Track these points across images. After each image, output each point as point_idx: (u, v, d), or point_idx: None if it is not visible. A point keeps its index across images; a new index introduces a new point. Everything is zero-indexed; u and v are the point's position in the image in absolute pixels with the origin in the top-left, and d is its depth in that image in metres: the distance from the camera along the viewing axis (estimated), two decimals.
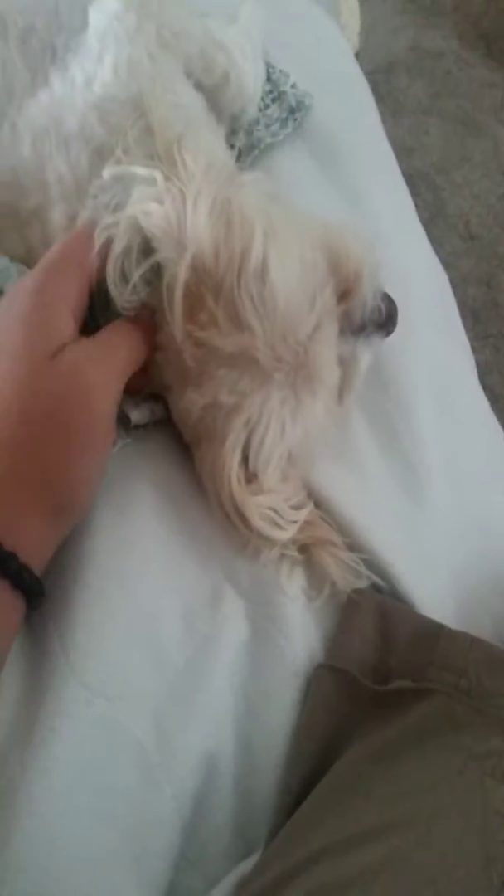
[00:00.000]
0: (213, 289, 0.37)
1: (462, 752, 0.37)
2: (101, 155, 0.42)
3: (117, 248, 0.38)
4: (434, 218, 0.62)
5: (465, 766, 0.36)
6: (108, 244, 0.38)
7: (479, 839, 0.33)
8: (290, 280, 0.38)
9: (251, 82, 0.53)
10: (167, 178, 0.38)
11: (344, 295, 0.42)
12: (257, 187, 0.42)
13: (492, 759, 0.36)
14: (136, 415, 0.43)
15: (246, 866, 0.38)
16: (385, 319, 0.45)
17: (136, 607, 0.40)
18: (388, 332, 0.46)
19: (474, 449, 0.54)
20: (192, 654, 0.40)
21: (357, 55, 0.96)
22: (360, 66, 0.75)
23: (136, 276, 0.38)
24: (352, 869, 0.32)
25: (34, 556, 0.35)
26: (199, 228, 0.38)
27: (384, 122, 0.68)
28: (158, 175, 0.38)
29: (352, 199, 0.56)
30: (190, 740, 0.39)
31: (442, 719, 0.39)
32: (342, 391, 0.44)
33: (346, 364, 0.44)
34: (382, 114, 0.69)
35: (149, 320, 0.40)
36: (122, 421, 0.43)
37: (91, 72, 0.43)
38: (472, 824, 0.33)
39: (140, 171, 0.38)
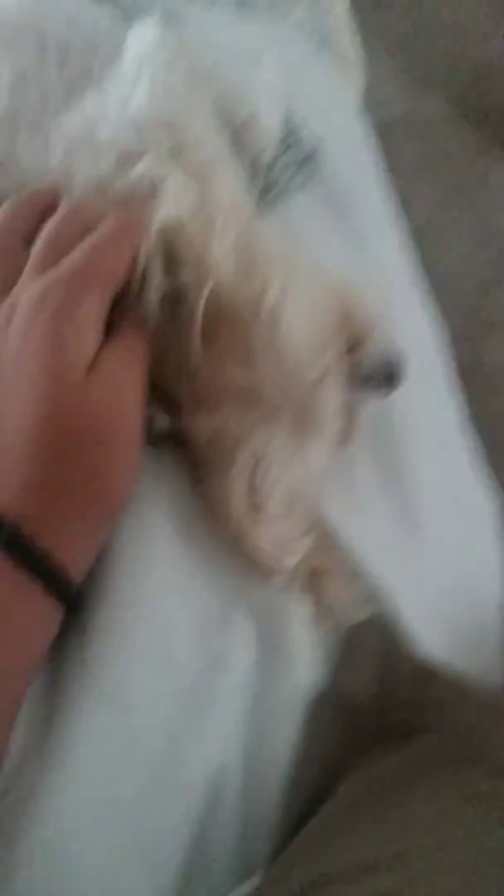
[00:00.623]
0: (229, 322, 0.38)
1: (463, 789, 0.37)
2: (128, 157, 0.42)
3: (148, 258, 0.38)
4: (423, 277, 0.66)
5: (468, 801, 0.36)
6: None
7: (483, 875, 0.33)
8: (302, 327, 0.39)
9: (274, 127, 0.54)
10: (198, 198, 0.39)
11: (354, 346, 0.42)
12: (279, 230, 0.42)
13: (490, 799, 0.36)
14: (160, 421, 0.43)
15: (249, 886, 0.38)
16: (391, 375, 0.45)
17: (151, 624, 0.40)
18: (393, 388, 0.46)
19: (465, 505, 0.55)
20: (202, 670, 0.40)
21: None
22: None
23: (156, 289, 0.38)
24: None
25: (73, 561, 0.37)
26: (224, 259, 0.38)
27: None
28: (193, 186, 0.38)
29: (360, 252, 0.57)
30: (201, 754, 0.39)
31: (440, 756, 0.40)
32: (344, 436, 0.45)
33: (350, 411, 0.44)
34: None
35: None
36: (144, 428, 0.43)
37: (127, 93, 0.44)
38: (476, 859, 0.33)
39: (176, 176, 0.39)
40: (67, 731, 0.36)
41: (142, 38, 0.46)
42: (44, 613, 0.36)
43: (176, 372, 0.40)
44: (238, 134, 0.52)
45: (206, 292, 0.37)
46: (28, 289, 0.38)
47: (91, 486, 0.37)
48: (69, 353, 0.37)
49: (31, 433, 0.36)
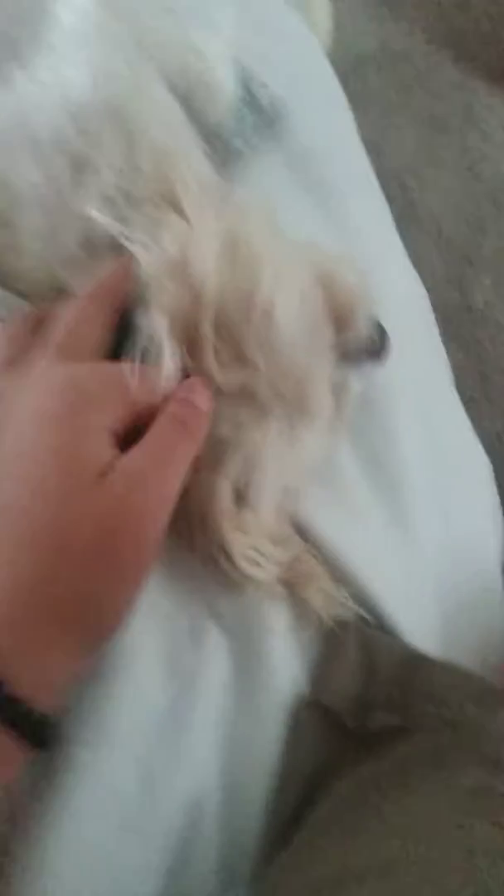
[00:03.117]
0: (215, 325, 0.36)
1: (449, 789, 0.36)
2: (78, 167, 0.40)
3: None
4: (404, 218, 0.62)
5: (453, 803, 0.35)
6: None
7: (469, 876, 0.32)
8: (293, 320, 0.36)
9: (229, 89, 0.50)
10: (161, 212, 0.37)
11: (338, 325, 0.40)
12: (255, 214, 0.40)
13: (476, 794, 0.35)
14: None
15: None
16: (378, 349, 0.44)
17: (115, 652, 0.38)
18: (380, 361, 0.44)
19: (457, 473, 0.53)
20: (175, 694, 0.39)
21: (326, 53, 0.94)
22: (330, 62, 0.72)
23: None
24: None
25: (49, 699, 0.32)
26: (207, 265, 0.36)
27: (354, 119, 0.66)
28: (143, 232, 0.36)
29: (331, 216, 0.54)
30: (175, 786, 0.37)
31: (427, 755, 0.38)
32: (333, 420, 0.43)
33: (337, 393, 0.42)
34: (352, 111, 0.67)
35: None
36: None
37: (62, 73, 0.40)
38: (461, 862, 0.32)
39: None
40: (41, 776, 0.35)
41: (71, 5, 0.42)
42: (7, 757, 0.31)
43: None
44: (189, 100, 0.49)
45: (210, 318, 0.35)
46: (48, 368, 0.35)
47: (84, 616, 0.32)
48: (74, 459, 0.32)
49: (22, 537, 0.31)
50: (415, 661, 0.42)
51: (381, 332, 0.44)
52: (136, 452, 0.33)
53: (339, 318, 0.40)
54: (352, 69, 1.43)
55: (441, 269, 1.23)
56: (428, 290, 0.61)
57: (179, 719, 0.38)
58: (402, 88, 1.44)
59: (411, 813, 0.35)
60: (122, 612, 0.34)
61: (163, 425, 0.34)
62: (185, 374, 0.36)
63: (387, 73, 1.44)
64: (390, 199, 0.63)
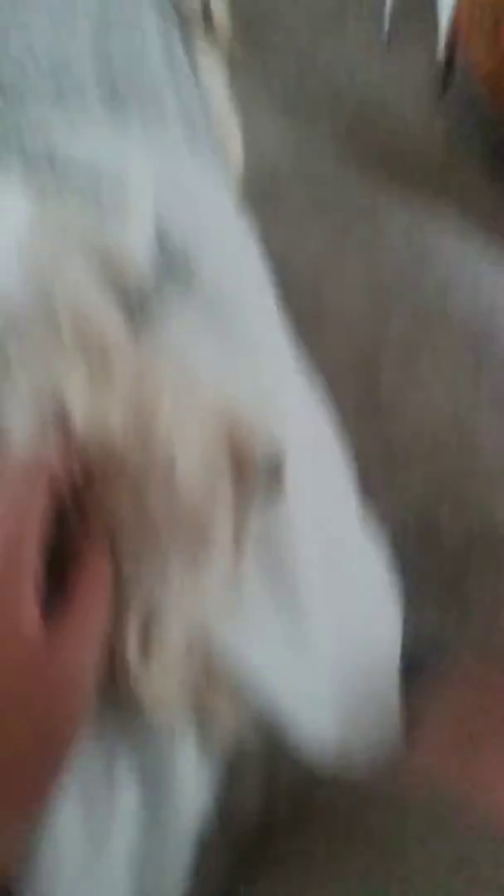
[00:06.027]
0: (118, 471, 0.38)
1: (345, 879, 0.38)
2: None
3: None
4: (315, 316, 0.68)
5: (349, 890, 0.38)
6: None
7: None
8: (194, 472, 0.40)
9: (145, 253, 0.56)
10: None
11: (241, 466, 0.44)
12: (166, 365, 0.44)
13: (368, 879, 0.38)
14: None
15: None
16: (276, 486, 0.47)
17: None
18: (279, 497, 0.48)
19: (355, 585, 0.58)
20: (92, 829, 0.41)
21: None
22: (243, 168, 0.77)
23: None
24: None
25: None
26: (111, 416, 0.38)
27: (266, 226, 0.71)
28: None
29: (239, 357, 0.59)
30: None
31: (321, 855, 0.41)
32: (237, 555, 0.46)
33: (240, 528, 0.46)
34: (265, 218, 0.72)
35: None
36: None
37: None
38: None
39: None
40: None
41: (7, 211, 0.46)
42: None
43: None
44: (107, 262, 0.54)
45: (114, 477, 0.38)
46: None
47: (16, 790, 0.33)
48: (16, 622, 0.32)
49: None
50: (315, 779, 0.45)
51: (279, 470, 0.48)
52: (67, 629, 0.35)
53: (241, 457, 0.44)
54: (267, 185, 1.53)
55: (349, 357, 1.30)
56: (337, 379, 0.68)
57: (97, 849, 0.41)
58: (312, 202, 1.55)
59: None
60: (55, 779, 0.36)
61: (85, 595, 0.37)
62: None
63: (298, 188, 1.55)
64: (301, 298, 0.69)
